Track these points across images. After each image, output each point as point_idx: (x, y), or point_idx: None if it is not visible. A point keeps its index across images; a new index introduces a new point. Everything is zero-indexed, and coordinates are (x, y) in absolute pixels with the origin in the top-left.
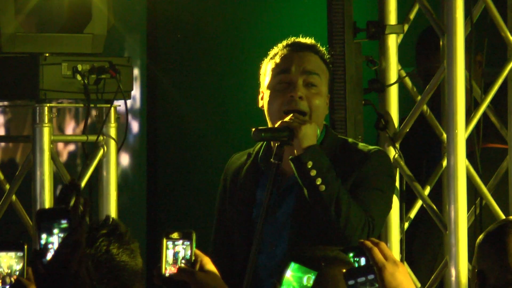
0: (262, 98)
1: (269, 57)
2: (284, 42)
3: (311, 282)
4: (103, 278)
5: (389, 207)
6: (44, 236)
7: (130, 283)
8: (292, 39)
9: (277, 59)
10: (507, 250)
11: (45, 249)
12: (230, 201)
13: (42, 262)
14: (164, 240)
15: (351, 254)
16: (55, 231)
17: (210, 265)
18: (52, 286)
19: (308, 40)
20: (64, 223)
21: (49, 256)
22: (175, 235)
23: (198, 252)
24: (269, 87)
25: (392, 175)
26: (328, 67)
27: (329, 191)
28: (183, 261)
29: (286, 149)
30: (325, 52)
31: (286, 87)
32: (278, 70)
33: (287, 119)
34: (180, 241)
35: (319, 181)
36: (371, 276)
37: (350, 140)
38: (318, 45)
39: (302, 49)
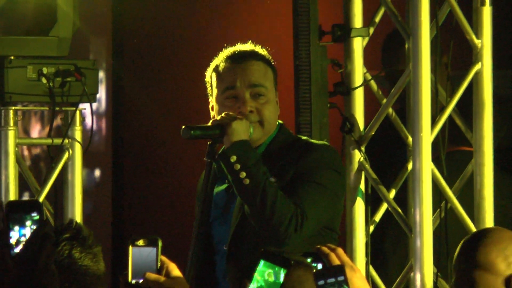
0: (212, 109)
1: (211, 68)
2: (225, 54)
3: (281, 278)
4: (64, 282)
5: (331, 200)
6: (16, 228)
7: (92, 287)
8: (231, 50)
9: (221, 72)
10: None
11: (18, 241)
12: (198, 206)
13: (11, 254)
14: (130, 247)
15: (309, 260)
16: (28, 223)
17: (176, 271)
18: (21, 279)
19: (248, 47)
20: (35, 216)
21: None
22: (140, 242)
23: (164, 258)
24: (217, 102)
25: (338, 169)
26: (271, 67)
27: (254, 184)
28: (149, 269)
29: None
30: (266, 53)
31: (234, 102)
32: (224, 86)
33: (218, 117)
34: (146, 248)
35: (243, 174)
36: (341, 278)
37: (303, 138)
38: (258, 49)
39: (243, 60)
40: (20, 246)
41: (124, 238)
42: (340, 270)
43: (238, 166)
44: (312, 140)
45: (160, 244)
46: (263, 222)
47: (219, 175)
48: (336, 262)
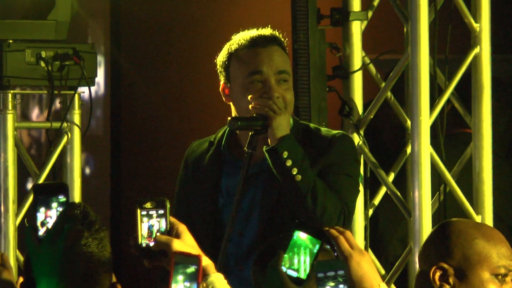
0: (228, 94)
1: (227, 51)
2: (244, 37)
3: (315, 249)
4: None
5: (358, 191)
6: (42, 209)
7: (96, 274)
8: (252, 34)
9: (244, 56)
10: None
11: (42, 223)
12: (193, 189)
13: (38, 236)
14: (138, 211)
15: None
16: (54, 205)
17: (186, 233)
18: (47, 258)
19: (268, 31)
20: (62, 198)
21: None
22: (148, 204)
23: (173, 219)
24: (240, 85)
25: (358, 159)
26: (287, 54)
27: (305, 181)
28: (158, 232)
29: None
30: (283, 40)
31: (260, 87)
32: (249, 70)
33: (260, 107)
34: (154, 211)
35: (295, 171)
36: (341, 272)
37: (312, 125)
38: (278, 34)
39: (267, 44)
40: (45, 228)
41: (123, 222)
42: (341, 264)
43: (290, 162)
44: (325, 129)
45: (168, 205)
46: (313, 219)
47: (231, 162)
48: (345, 244)
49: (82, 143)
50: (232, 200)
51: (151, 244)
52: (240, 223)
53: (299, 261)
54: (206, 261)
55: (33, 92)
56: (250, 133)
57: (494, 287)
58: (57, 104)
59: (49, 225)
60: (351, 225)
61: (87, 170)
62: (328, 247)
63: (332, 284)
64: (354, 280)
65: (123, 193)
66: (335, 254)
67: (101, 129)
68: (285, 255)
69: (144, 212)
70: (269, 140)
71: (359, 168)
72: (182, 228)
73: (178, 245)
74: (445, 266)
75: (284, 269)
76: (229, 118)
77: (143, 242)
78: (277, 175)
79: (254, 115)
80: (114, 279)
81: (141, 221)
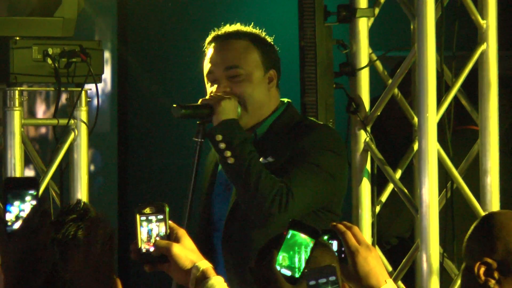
0: None
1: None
2: (211, 34)
3: (309, 248)
4: (67, 263)
5: (325, 181)
6: (16, 203)
7: None
8: (215, 32)
9: (206, 56)
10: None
11: (17, 217)
12: (201, 175)
13: (7, 230)
14: (137, 216)
15: (325, 237)
16: (27, 198)
17: (185, 237)
18: (18, 256)
19: (232, 28)
20: (33, 192)
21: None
22: (147, 209)
23: (172, 224)
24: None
25: (336, 150)
26: (259, 44)
27: (238, 163)
28: (157, 236)
29: None
30: (254, 32)
31: (212, 84)
32: (205, 73)
33: (207, 97)
34: (153, 216)
35: (228, 153)
36: (332, 278)
37: (310, 119)
38: (244, 27)
39: (222, 40)
40: (19, 222)
41: (130, 219)
42: (331, 269)
43: (223, 145)
44: (314, 121)
45: (167, 210)
46: (247, 199)
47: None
48: (352, 240)
49: (89, 140)
50: (221, 190)
51: (151, 249)
52: (225, 212)
53: (293, 260)
54: (206, 265)
55: (40, 89)
56: (197, 122)
57: None
58: (64, 101)
59: (19, 220)
60: (291, 210)
61: (94, 167)
62: (330, 242)
63: None
64: (361, 275)
65: (130, 190)
66: (342, 249)
67: (108, 126)
68: (279, 254)
69: (143, 218)
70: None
71: (332, 159)
72: (182, 232)
73: (177, 249)
74: (489, 261)
75: (278, 268)
76: (174, 105)
77: (143, 247)
78: (218, 158)
79: (199, 103)
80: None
81: (141, 226)
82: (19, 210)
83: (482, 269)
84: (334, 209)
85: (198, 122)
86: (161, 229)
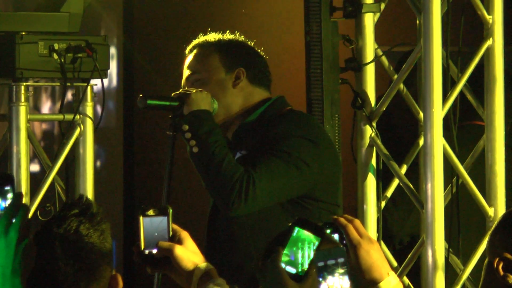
0: None
1: None
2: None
3: (315, 246)
4: (69, 259)
5: (297, 168)
6: None
7: (97, 265)
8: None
9: None
10: None
11: None
12: None
13: None
14: (141, 218)
15: (328, 231)
16: (9, 195)
17: (188, 239)
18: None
19: (200, 38)
20: (8, 189)
21: None
22: (151, 212)
23: (175, 227)
24: None
25: (309, 137)
26: (220, 49)
27: (202, 152)
28: (161, 238)
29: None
30: (218, 37)
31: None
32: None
33: (178, 92)
34: (157, 218)
35: (192, 143)
36: (341, 259)
37: (291, 109)
38: (207, 38)
39: (190, 51)
40: None
41: (136, 212)
42: (340, 252)
43: (189, 135)
44: (292, 110)
45: (170, 212)
46: (209, 187)
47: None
48: (354, 233)
49: (95, 136)
50: None
51: (154, 251)
52: None
53: (298, 257)
54: (208, 266)
55: (45, 84)
56: (170, 116)
57: None
58: (70, 96)
59: None
60: (252, 197)
61: (100, 163)
62: (336, 237)
63: (333, 273)
64: (363, 268)
65: (136, 185)
66: (344, 242)
67: (113, 122)
68: (284, 252)
69: (146, 220)
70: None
71: (304, 146)
72: (185, 234)
73: (180, 251)
74: (509, 256)
75: (283, 265)
76: (140, 95)
77: (146, 249)
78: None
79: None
80: (114, 272)
81: (144, 228)
82: (1, 208)
83: (501, 264)
84: (322, 198)
85: (170, 116)
86: (164, 231)
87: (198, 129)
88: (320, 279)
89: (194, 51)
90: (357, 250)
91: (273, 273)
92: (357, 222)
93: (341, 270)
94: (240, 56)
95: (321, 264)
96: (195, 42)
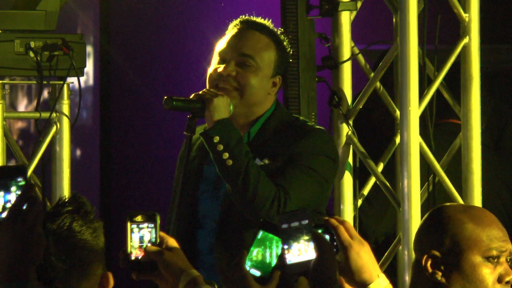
0: None
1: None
2: (239, 19)
3: (279, 249)
4: (61, 254)
5: (320, 185)
6: (1, 193)
7: (89, 262)
8: (244, 18)
9: (227, 34)
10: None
11: (3, 207)
12: (184, 168)
13: None
14: (129, 224)
15: (320, 231)
16: (13, 188)
17: (175, 246)
18: (8, 241)
19: (261, 20)
20: (20, 181)
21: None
22: (139, 218)
23: (162, 234)
24: (214, 54)
25: (332, 156)
26: (278, 47)
27: (236, 165)
28: (148, 243)
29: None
30: (279, 35)
31: (221, 62)
32: (220, 46)
33: (201, 92)
34: (145, 224)
35: (226, 155)
36: (304, 221)
37: (301, 118)
38: (270, 26)
39: (246, 27)
40: (6, 212)
41: (112, 213)
42: (304, 213)
43: (221, 147)
44: (309, 124)
45: (158, 219)
46: (245, 203)
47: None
48: (345, 234)
49: (71, 134)
50: (210, 188)
51: (140, 256)
52: (214, 211)
53: (262, 260)
54: (195, 273)
55: (22, 82)
56: (188, 116)
57: (487, 270)
58: (46, 94)
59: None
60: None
61: (76, 161)
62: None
63: (296, 235)
64: (354, 270)
65: (113, 183)
66: (334, 243)
67: (90, 119)
68: (249, 254)
69: (134, 225)
70: (206, 123)
71: (327, 164)
72: (172, 241)
73: (168, 256)
74: (436, 253)
75: (247, 268)
76: (165, 97)
77: (133, 254)
78: (212, 158)
79: (192, 97)
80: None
81: (132, 233)
82: (5, 200)
83: (429, 262)
84: (322, 210)
85: (188, 116)
86: (152, 237)
87: (229, 140)
88: (286, 247)
89: (255, 33)
90: (348, 252)
91: (237, 276)
92: (348, 223)
93: (306, 237)
94: (285, 64)
95: (284, 226)
96: (255, 22)
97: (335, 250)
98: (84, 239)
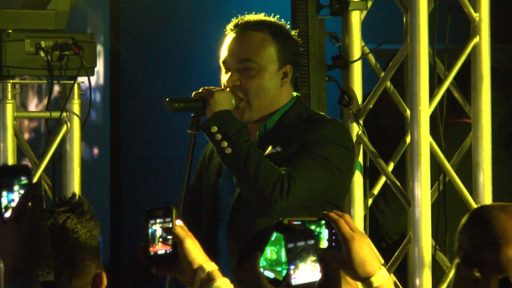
0: None
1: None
2: (233, 21)
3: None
4: (51, 251)
5: (332, 173)
6: (4, 193)
7: (79, 260)
8: (236, 20)
9: (225, 39)
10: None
11: (6, 207)
12: (206, 169)
13: (3, 218)
14: (146, 220)
15: (323, 222)
16: (16, 188)
17: (194, 239)
18: (14, 240)
19: (254, 17)
20: (24, 180)
21: (9, 213)
22: (156, 213)
23: (180, 228)
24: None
25: (345, 145)
26: (278, 38)
27: (236, 153)
28: (167, 237)
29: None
30: (276, 25)
31: (226, 71)
32: (222, 56)
33: (200, 90)
34: (162, 219)
35: (224, 144)
36: (311, 241)
37: (320, 113)
38: (266, 19)
39: (241, 30)
40: (9, 212)
41: (122, 211)
42: (310, 234)
43: (219, 136)
44: (325, 115)
45: (175, 213)
46: (248, 188)
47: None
48: (346, 227)
49: (82, 133)
50: (228, 182)
51: (160, 251)
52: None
53: (276, 262)
54: (212, 267)
55: (32, 82)
56: (192, 114)
57: None
58: (56, 94)
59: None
60: (293, 196)
61: (87, 160)
62: (327, 232)
63: (303, 255)
64: (356, 262)
65: (123, 182)
66: (333, 237)
67: (100, 119)
68: (263, 256)
69: (152, 221)
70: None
71: (340, 153)
72: (190, 235)
73: (190, 244)
74: (474, 250)
75: (261, 270)
76: (166, 99)
77: (152, 250)
78: (215, 149)
79: (192, 96)
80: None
81: (149, 227)
82: (8, 200)
83: (467, 259)
84: (339, 203)
85: (192, 114)
86: (169, 232)
87: (228, 129)
88: (292, 267)
89: (248, 34)
90: (350, 244)
91: (251, 278)
92: (347, 216)
93: (312, 257)
94: (291, 50)
95: (290, 245)
96: (246, 19)
97: (334, 244)
98: (76, 238)
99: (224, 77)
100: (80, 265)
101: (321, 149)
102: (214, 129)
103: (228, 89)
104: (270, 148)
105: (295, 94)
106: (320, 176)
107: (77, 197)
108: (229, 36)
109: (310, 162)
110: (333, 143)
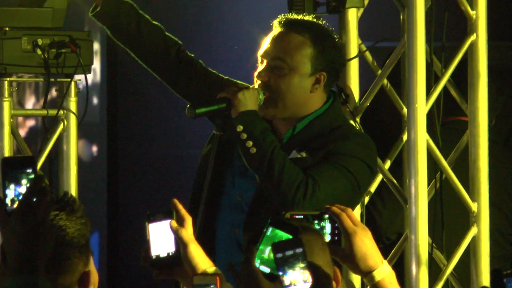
0: None
1: None
2: (279, 17)
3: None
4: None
5: (351, 186)
6: (12, 186)
7: (64, 257)
8: (284, 16)
9: (269, 34)
10: None
11: (12, 200)
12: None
13: (6, 210)
14: (147, 224)
15: (326, 216)
16: (24, 181)
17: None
18: (19, 233)
19: (300, 18)
20: (30, 173)
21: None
22: (156, 217)
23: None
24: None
25: (369, 163)
26: (317, 44)
27: (261, 153)
28: (168, 242)
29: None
30: (322, 29)
31: (261, 64)
32: (262, 48)
33: (224, 91)
34: (163, 221)
35: (249, 144)
36: (299, 250)
37: (351, 123)
38: (308, 21)
39: (282, 28)
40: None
41: (119, 210)
42: (298, 242)
43: (244, 136)
44: (355, 128)
45: (175, 215)
46: (272, 189)
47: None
48: (348, 221)
49: (79, 131)
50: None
51: (161, 255)
52: (244, 188)
53: (272, 257)
54: (217, 270)
55: (29, 80)
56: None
57: None
58: (53, 91)
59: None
60: (316, 200)
61: (84, 158)
62: (329, 226)
63: (292, 261)
64: (359, 256)
65: (120, 180)
66: (335, 231)
67: (97, 117)
68: (259, 250)
69: (153, 225)
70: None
71: (363, 170)
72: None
73: (194, 248)
74: None
75: (257, 264)
76: (187, 106)
77: (153, 253)
78: (239, 148)
79: (217, 98)
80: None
81: (151, 233)
82: (16, 193)
83: None
84: None
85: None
86: (170, 234)
87: (253, 129)
88: (281, 273)
89: (288, 35)
90: (352, 238)
91: (247, 273)
92: (350, 211)
93: (301, 264)
94: (329, 59)
95: (279, 255)
96: (292, 20)
97: (337, 238)
98: (62, 235)
99: (257, 69)
100: (65, 262)
101: (347, 162)
102: (240, 128)
103: (252, 86)
104: (294, 152)
105: (330, 100)
106: (343, 186)
107: (69, 196)
108: (273, 31)
109: (335, 171)
110: (358, 158)
